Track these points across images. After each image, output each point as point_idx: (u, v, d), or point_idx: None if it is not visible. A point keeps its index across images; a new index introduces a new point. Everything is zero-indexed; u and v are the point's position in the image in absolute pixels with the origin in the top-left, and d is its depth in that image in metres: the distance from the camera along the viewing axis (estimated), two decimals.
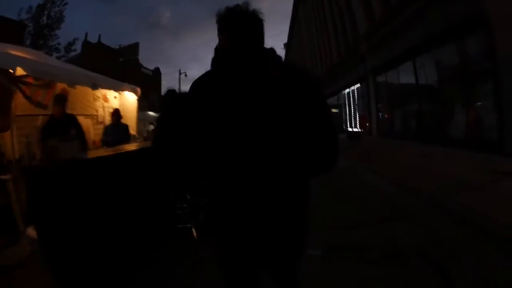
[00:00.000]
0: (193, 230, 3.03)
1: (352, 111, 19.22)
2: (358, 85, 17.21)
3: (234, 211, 1.04)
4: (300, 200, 1.10)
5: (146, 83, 32.23)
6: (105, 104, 6.28)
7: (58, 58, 15.92)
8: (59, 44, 15.78)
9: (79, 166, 2.52)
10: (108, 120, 5.93)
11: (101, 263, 2.35)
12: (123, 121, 5.54)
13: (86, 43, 24.51)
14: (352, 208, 3.97)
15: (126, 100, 6.68)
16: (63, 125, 3.86)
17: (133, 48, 27.84)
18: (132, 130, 6.32)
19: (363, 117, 12.60)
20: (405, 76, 11.21)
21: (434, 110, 9.37)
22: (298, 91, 1.00)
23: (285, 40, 53.35)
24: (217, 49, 1.07)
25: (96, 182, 2.53)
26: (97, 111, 6.08)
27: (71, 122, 4.04)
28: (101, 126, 5.92)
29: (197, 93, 1.07)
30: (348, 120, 20.25)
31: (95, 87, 5.08)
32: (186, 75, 31.52)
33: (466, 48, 7.63)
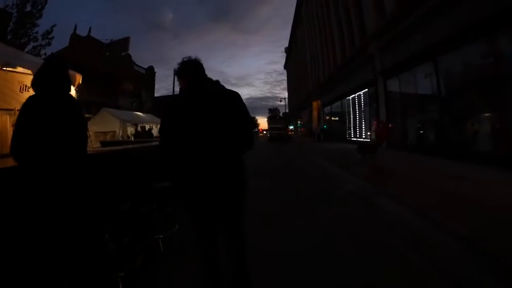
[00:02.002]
0: None
1: (358, 119, 17.31)
2: (366, 90, 15.42)
3: (196, 180, 1.67)
4: (237, 169, 1.76)
5: (139, 82, 30.16)
6: None
7: (36, 47, 14.75)
8: (36, 33, 14.60)
9: None
10: None
11: None
12: None
13: (74, 36, 22.64)
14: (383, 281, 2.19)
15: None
16: None
17: (123, 43, 25.60)
18: None
19: (382, 125, 10.43)
20: (422, 79, 9.37)
21: (457, 120, 7.58)
22: (231, 105, 1.75)
23: (286, 45, 51.94)
24: (181, 89, 1.86)
25: None
26: None
27: None
28: None
29: (171, 106, 1.78)
30: (352, 129, 18.33)
31: (9, 65, 3.81)
32: None
33: (499, 47, 6.21)
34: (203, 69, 1.85)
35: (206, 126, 1.65)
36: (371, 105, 14.49)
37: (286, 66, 59.23)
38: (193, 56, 1.87)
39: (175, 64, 1.91)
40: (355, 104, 17.67)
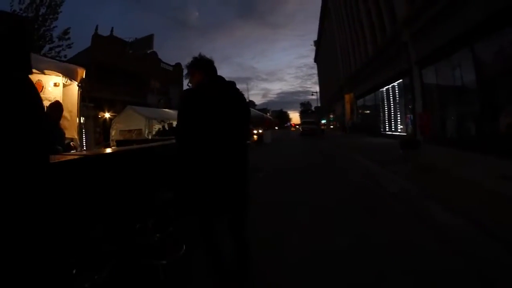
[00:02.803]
0: None
1: (392, 112, 16.41)
2: (400, 80, 14.55)
3: (212, 164, 1.82)
4: (245, 156, 1.99)
5: (166, 79, 30.40)
6: None
7: (52, 49, 14.80)
8: (51, 35, 14.66)
9: None
10: None
11: None
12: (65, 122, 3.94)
13: (95, 36, 22.40)
14: None
15: (73, 90, 4.70)
16: None
17: (147, 41, 24.11)
18: (74, 133, 4.62)
19: (424, 117, 9.24)
20: (461, 67, 8.60)
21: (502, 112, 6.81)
22: (240, 102, 1.98)
23: (314, 39, 50.80)
24: (196, 83, 2.02)
25: None
26: None
27: None
28: None
29: (189, 98, 1.92)
30: (387, 122, 17.42)
31: None
32: None
33: None
34: (214, 66, 2.06)
35: (224, 118, 1.84)
36: (406, 96, 13.66)
37: (316, 59, 57.85)
38: (208, 56, 2.07)
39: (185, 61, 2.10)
40: (389, 96, 16.75)
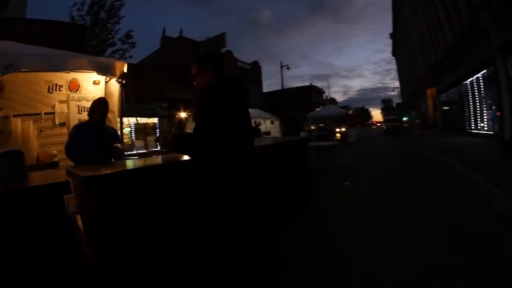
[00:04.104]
0: None
1: (478, 107, 14.10)
2: (484, 71, 12.49)
3: (236, 168, 1.63)
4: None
5: (243, 77, 30.57)
6: (73, 94, 3.97)
7: (116, 51, 15.05)
8: (113, 38, 14.82)
9: None
10: (76, 119, 3.88)
11: None
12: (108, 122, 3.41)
13: (164, 38, 21.60)
14: None
15: (114, 87, 4.10)
16: None
17: (219, 39, 23.26)
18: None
19: None
20: None
21: None
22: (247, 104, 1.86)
23: (388, 33, 46.87)
24: (208, 80, 1.75)
25: None
26: (53, 107, 3.87)
27: None
28: (63, 131, 3.88)
29: (227, 95, 1.67)
30: (473, 119, 15.01)
31: (9, 69, 2.67)
32: (288, 68, 28.34)
33: None
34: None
35: (249, 121, 1.79)
36: (491, 89, 11.66)
37: (394, 53, 53.04)
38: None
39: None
40: (474, 89, 14.46)
